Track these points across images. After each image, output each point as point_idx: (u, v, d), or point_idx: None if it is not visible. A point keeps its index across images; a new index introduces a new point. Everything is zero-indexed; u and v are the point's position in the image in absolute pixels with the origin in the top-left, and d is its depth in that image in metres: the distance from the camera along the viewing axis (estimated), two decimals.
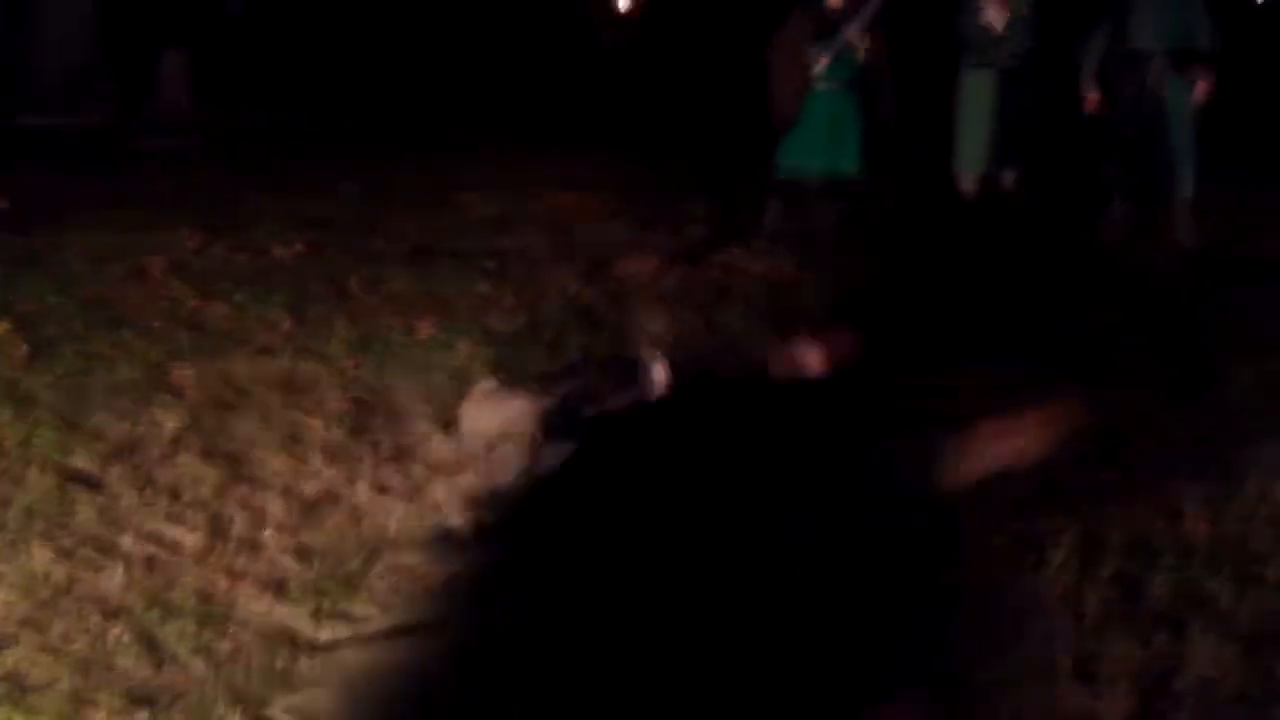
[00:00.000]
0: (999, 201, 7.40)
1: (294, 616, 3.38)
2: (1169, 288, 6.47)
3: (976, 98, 7.32)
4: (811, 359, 4.10)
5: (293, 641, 3.26)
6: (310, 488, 4.16)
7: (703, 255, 7.10)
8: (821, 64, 6.98)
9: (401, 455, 4.44)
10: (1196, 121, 6.96)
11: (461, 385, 5.05)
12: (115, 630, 3.29)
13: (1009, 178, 7.42)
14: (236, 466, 4.27)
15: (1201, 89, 6.89)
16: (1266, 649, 3.15)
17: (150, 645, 3.23)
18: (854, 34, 6.99)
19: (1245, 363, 5.17)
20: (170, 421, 4.61)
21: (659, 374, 4.07)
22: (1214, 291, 6.40)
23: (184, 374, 5.10)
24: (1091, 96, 7.10)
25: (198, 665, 3.16)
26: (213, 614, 3.38)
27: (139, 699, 3.01)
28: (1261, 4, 16.54)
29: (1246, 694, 2.99)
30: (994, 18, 7.25)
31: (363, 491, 4.15)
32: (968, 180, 7.46)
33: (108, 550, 3.72)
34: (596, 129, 10.56)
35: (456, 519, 3.88)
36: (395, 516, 3.91)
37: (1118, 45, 7.00)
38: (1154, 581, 3.48)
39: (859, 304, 6.08)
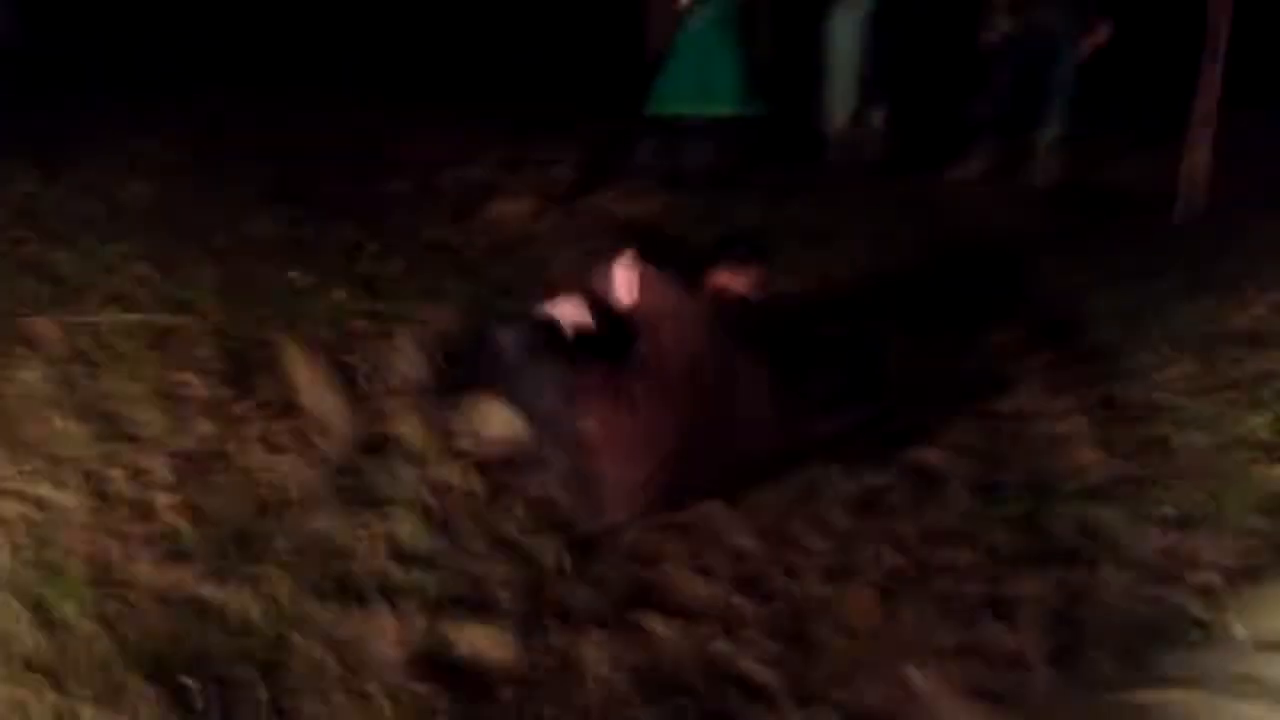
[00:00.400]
0: (868, 140, 7.42)
1: (194, 579, 3.23)
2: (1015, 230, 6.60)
3: (845, 35, 7.28)
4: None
5: (195, 605, 3.12)
6: (194, 445, 3.98)
7: (574, 197, 7.00)
8: (685, 2, 6.87)
9: (288, 409, 4.27)
10: (1080, 62, 6.98)
11: (343, 335, 4.91)
12: (1, 598, 3.11)
13: (878, 116, 7.44)
14: (111, 424, 4.05)
15: (1096, 36, 6.90)
16: None
17: (36, 610, 3.06)
18: None
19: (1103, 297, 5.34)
20: (33, 377, 4.35)
21: (504, 340, 3.89)
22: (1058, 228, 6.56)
23: (41, 326, 4.81)
24: (989, 35, 7.09)
25: (91, 630, 3.00)
26: (106, 579, 3.22)
27: (37, 669, 2.85)
28: None
29: None
30: None
31: (251, 448, 3.98)
32: (839, 119, 7.46)
33: None
34: (448, 67, 10.29)
35: None
36: (288, 473, 3.76)
37: None
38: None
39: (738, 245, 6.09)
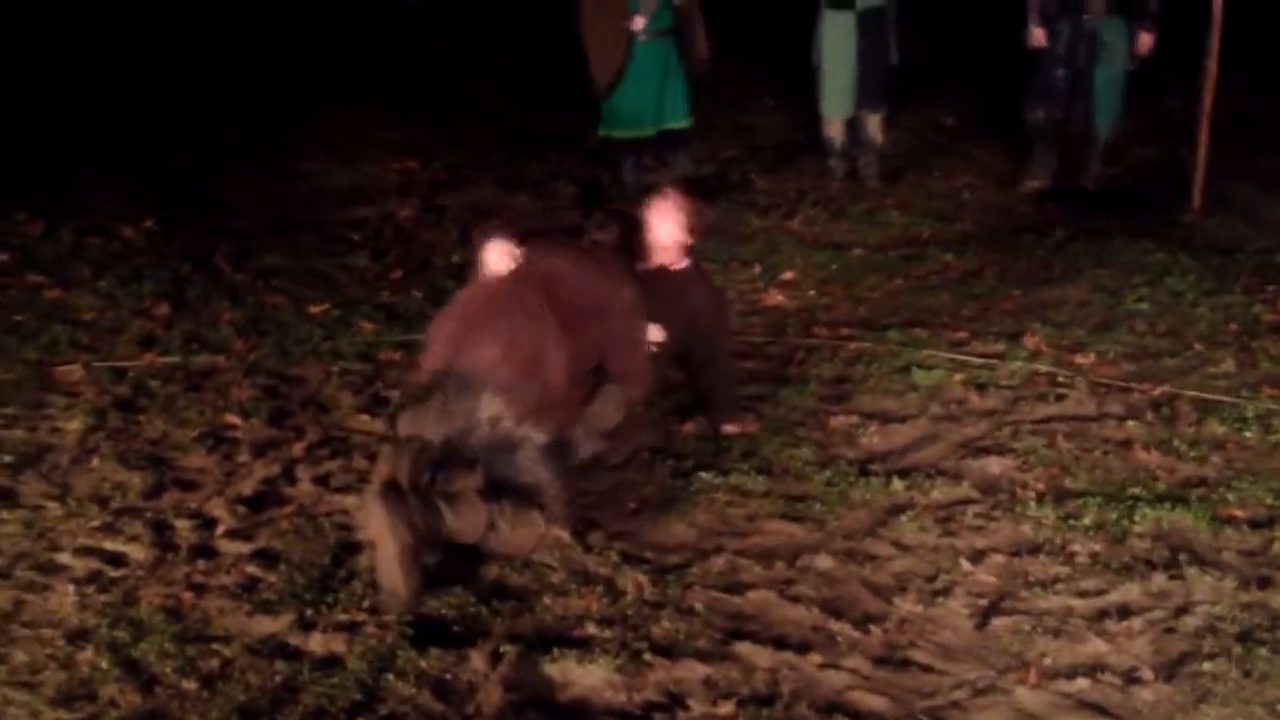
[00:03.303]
0: (866, 145, 7.40)
1: (278, 627, 3.19)
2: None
3: (837, 41, 7.16)
4: None
5: (287, 654, 3.08)
6: (247, 486, 3.95)
7: (579, 215, 6.96)
8: (639, 23, 6.82)
9: (333, 444, 4.25)
10: (1131, 69, 6.83)
11: (378, 368, 4.87)
12: (86, 655, 3.07)
13: (874, 121, 7.43)
14: (165, 472, 4.00)
15: (1144, 42, 6.75)
16: None
17: (130, 668, 3.02)
18: None
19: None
20: (77, 427, 4.29)
21: None
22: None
23: (70, 372, 4.75)
24: (1037, 33, 6.88)
25: (190, 686, 2.96)
26: (188, 630, 3.18)
27: None
28: None
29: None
30: None
31: (305, 486, 3.95)
32: (834, 125, 7.43)
33: (47, 568, 3.46)
34: (419, 88, 10.21)
35: None
36: (353, 514, 3.72)
37: None
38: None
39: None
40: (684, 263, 4.15)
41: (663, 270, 4.07)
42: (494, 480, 3.53)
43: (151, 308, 5.43)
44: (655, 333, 3.93)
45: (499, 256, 3.82)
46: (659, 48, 6.91)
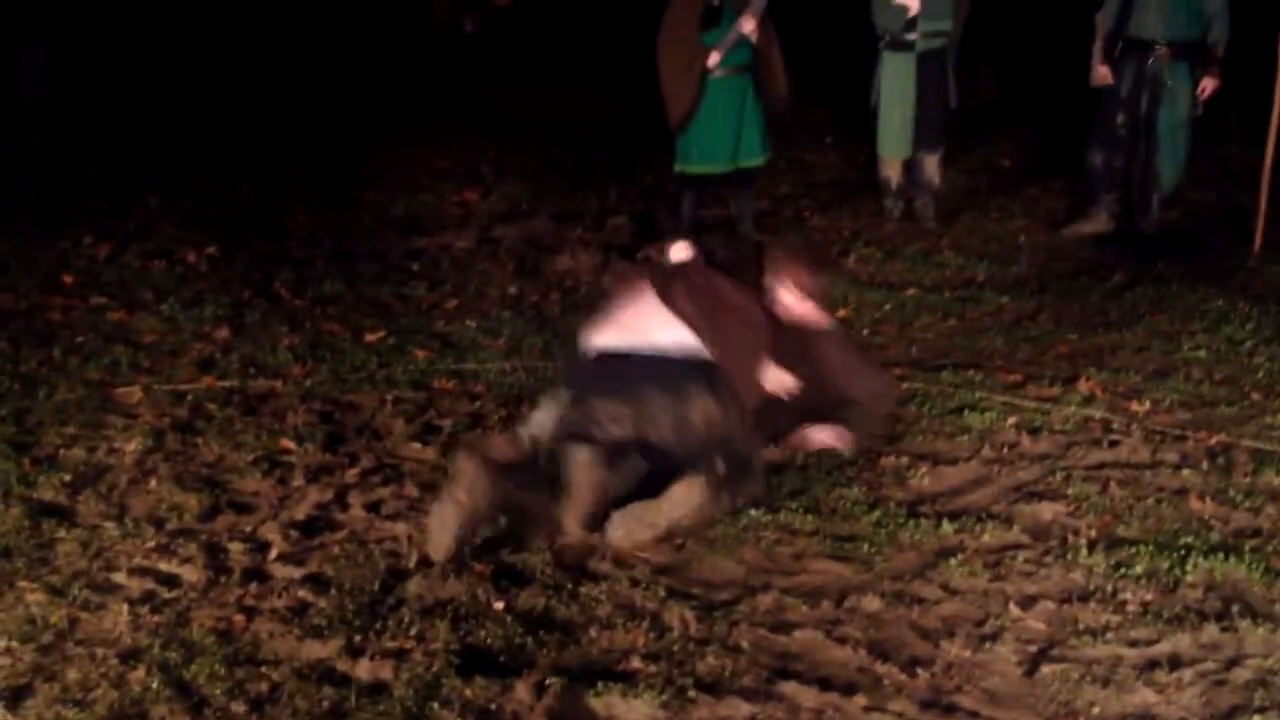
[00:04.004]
0: (923, 186, 7.40)
1: (327, 652, 3.22)
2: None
3: (895, 81, 7.22)
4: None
5: (335, 679, 3.11)
6: (300, 511, 3.99)
7: (637, 249, 7.00)
8: (715, 59, 6.84)
9: (385, 470, 4.29)
10: (1194, 118, 6.83)
11: (431, 396, 4.92)
12: (137, 674, 3.11)
13: (931, 162, 7.43)
14: (220, 494, 4.06)
15: (1206, 86, 6.72)
16: None
17: (181, 689, 3.05)
18: (748, 25, 6.81)
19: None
20: (131, 445, 4.37)
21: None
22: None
23: (130, 393, 4.84)
24: (1101, 71, 6.90)
25: (239, 709, 2.99)
26: (238, 652, 3.21)
27: None
28: None
29: None
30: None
31: (356, 512, 3.99)
32: (891, 165, 7.44)
33: (102, 588, 3.51)
34: (478, 119, 10.35)
35: None
36: (404, 541, 3.74)
37: (1122, 29, 6.82)
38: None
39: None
40: (820, 323, 4.37)
41: (792, 324, 4.29)
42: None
43: (211, 331, 5.53)
44: (784, 378, 4.16)
45: (681, 249, 4.28)
46: (735, 84, 6.93)
